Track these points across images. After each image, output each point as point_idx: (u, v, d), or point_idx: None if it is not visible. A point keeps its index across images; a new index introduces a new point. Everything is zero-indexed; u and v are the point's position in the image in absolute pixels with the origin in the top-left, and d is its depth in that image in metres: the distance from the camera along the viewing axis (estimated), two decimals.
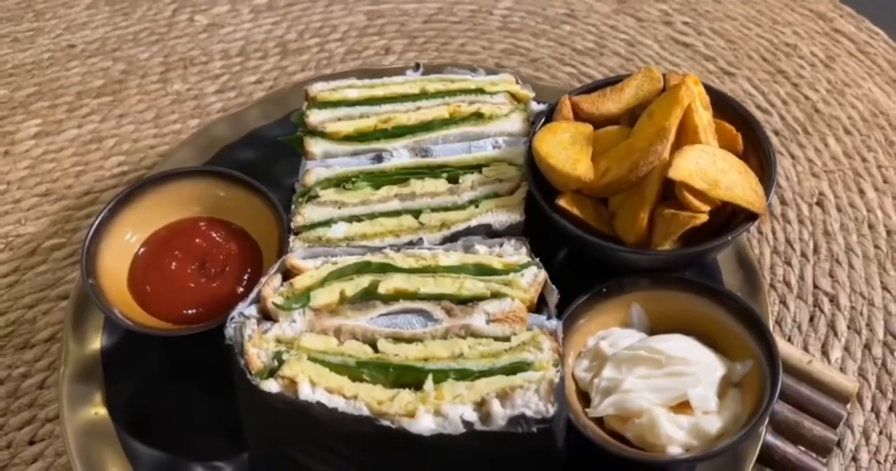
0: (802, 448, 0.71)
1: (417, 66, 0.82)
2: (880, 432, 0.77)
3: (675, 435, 0.59)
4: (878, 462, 0.75)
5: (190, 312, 0.70)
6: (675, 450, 0.59)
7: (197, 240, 0.73)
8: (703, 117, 0.67)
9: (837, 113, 1.05)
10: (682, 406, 0.60)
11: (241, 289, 0.71)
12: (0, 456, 0.77)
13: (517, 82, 0.80)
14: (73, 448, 0.66)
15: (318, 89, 0.79)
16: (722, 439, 0.59)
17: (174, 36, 1.16)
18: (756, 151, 0.70)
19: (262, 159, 0.86)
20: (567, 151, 0.67)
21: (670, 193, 0.66)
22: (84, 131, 1.05)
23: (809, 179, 0.98)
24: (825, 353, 0.82)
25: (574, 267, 0.67)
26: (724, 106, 0.71)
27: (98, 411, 0.69)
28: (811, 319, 0.86)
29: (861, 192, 0.97)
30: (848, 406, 0.76)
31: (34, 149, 1.03)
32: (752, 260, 0.74)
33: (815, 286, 0.88)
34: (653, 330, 0.67)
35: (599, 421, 0.63)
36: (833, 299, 0.87)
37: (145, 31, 1.17)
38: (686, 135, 0.66)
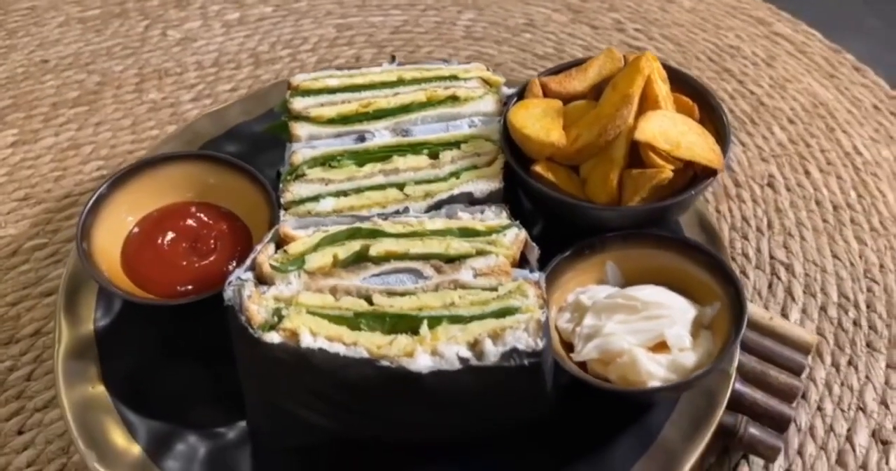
0: (770, 395, 0.75)
1: (393, 59, 0.87)
2: (842, 384, 0.82)
3: (655, 371, 0.63)
4: (842, 410, 0.80)
5: (182, 289, 0.72)
6: (655, 385, 0.63)
7: (188, 221, 0.76)
8: (662, 89, 0.72)
9: (780, 105, 1.13)
10: (660, 347, 0.65)
11: (231, 266, 0.74)
12: None
13: (488, 70, 0.85)
14: (71, 423, 0.66)
15: (301, 79, 0.83)
16: (698, 369, 0.63)
17: (147, 49, 1.19)
18: (711, 119, 0.75)
19: (244, 152, 0.89)
20: (540, 122, 0.72)
21: (637, 159, 0.71)
22: (61, 139, 1.07)
23: (759, 163, 1.05)
24: (785, 316, 0.88)
25: (550, 232, 0.71)
26: (679, 81, 0.77)
27: (95, 386, 0.70)
28: (769, 285, 0.91)
29: (807, 173, 1.04)
30: (809, 358, 0.81)
31: (11, 157, 1.05)
32: (712, 224, 0.80)
33: (772, 257, 0.94)
34: (626, 285, 0.71)
35: (583, 368, 0.66)
36: (788, 268, 0.93)
37: (118, 45, 1.20)
38: (647, 104, 0.71)
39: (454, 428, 0.63)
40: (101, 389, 0.69)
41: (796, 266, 0.93)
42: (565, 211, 0.71)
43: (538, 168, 0.72)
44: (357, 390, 0.59)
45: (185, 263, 0.73)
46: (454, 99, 0.80)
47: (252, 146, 0.90)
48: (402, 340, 0.59)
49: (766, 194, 1.01)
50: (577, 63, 0.79)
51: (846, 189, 1.02)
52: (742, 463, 0.76)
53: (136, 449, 0.66)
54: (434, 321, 0.61)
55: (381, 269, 0.65)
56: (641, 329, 0.64)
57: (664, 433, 0.66)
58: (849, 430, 0.79)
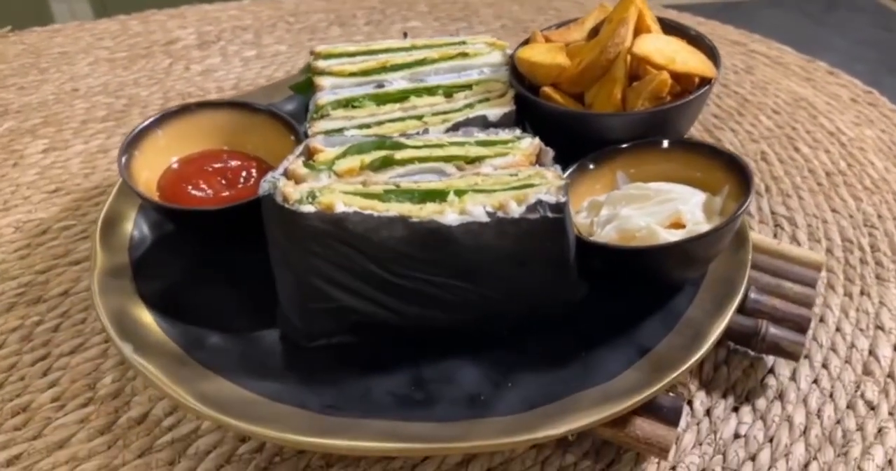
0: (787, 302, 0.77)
1: (405, 35, 0.95)
2: (857, 309, 0.84)
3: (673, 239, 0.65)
4: (861, 330, 0.81)
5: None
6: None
7: (221, 163, 0.80)
8: (653, 25, 0.80)
9: (764, 100, 1.21)
10: (675, 225, 0.67)
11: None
12: (13, 388, 0.77)
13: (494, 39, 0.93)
14: (107, 321, 0.67)
15: (322, 47, 0.90)
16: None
17: (172, 79, 1.28)
18: (701, 49, 0.82)
19: None
20: (546, 53, 0.79)
21: (637, 79, 0.77)
22: (91, 146, 1.13)
23: (750, 144, 1.11)
24: None
25: (562, 152, 0.76)
26: (666, 27, 0.85)
27: (131, 298, 0.71)
28: (775, 235, 0.94)
29: (796, 149, 1.10)
30: (821, 287, 0.83)
31: (42, 160, 1.10)
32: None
33: (773, 212, 0.98)
34: None
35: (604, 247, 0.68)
36: (791, 221, 0.96)
37: (144, 77, 1.29)
38: (641, 32, 0.78)
39: (484, 304, 0.65)
40: (137, 300, 0.70)
41: (798, 219, 0.97)
42: (574, 124, 0.76)
43: (547, 90, 0.77)
44: (390, 253, 0.61)
45: (220, 192, 0.76)
46: (464, 55, 0.87)
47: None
48: (432, 206, 0.62)
49: (760, 166, 1.07)
50: (574, 20, 0.87)
51: (835, 160, 1.07)
52: (769, 376, 0.76)
53: (171, 344, 0.66)
54: (461, 192, 0.64)
55: (406, 169, 0.69)
56: (656, 211, 0.67)
57: (689, 313, 0.67)
58: (871, 345, 0.79)
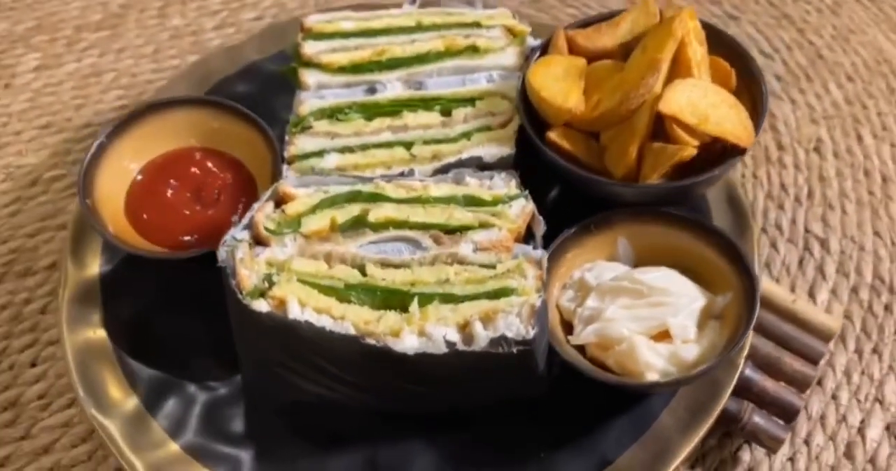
0: (782, 384, 0.72)
1: (414, 0, 0.82)
2: (862, 373, 0.79)
3: (654, 362, 0.60)
4: (859, 401, 0.77)
5: (185, 238, 0.72)
6: (653, 376, 0.60)
7: (192, 169, 0.74)
8: (697, 52, 0.66)
9: (841, 59, 1.04)
10: (662, 335, 0.62)
11: (235, 217, 0.72)
12: (3, 378, 0.80)
13: (514, 17, 0.79)
14: (72, 368, 0.68)
15: (314, 21, 0.78)
16: (699, 367, 0.60)
17: None
18: (749, 88, 0.69)
19: (258, 92, 0.86)
20: (560, 83, 0.67)
21: (661, 129, 0.66)
22: (84, 65, 1.05)
23: (808, 125, 0.98)
24: (812, 295, 0.83)
25: (563, 201, 0.68)
26: (719, 42, 0.71)
27: (97, 331, 0.70)
28: (800, 262, 0.86)
29: (859, 137, 0.96)
30: (830, 345, 0.77)
31: (34, 82, 1.04)
32: (742, 200, 0.75)
33: (807, 230, 0.88)
34: (638, 263, 0.68)
35: (582, 350, 0.64)
36: (823, 244, 0.87)
37: None
38: (679, 69, 0.65)
39: (444, 401, 0.62)
40: (102, 334, 0.70)
41: (832, 242, 0.87)
42: (579, 183, 0.67)
43: (553, 135, 0.67)
44: (343, 361, 0.59)
45: (188, 212, 0.72)
46: (474, 50, 0.75)
47: (265, 86, 0.86)
48: (391, 318, 0.58)
49: (810, 160, 0.95)
50: (609, 17, 0.73)
51: None
52: (744, 447, 0.74)
53: (133, 400, 0.67)
54: (425, 299, 0.59)
55: (378, 236, 0.63)
56: (645, 316, 0.61)
57: (660, 421, 0.64)
58: (862, 421, 0.76)
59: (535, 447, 0.64)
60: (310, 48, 0.76)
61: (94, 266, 0.74)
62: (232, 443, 0.65)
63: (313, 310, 0.58)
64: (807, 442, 0.75)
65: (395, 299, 0.59)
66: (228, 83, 0.87)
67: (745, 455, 0.74)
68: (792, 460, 0.74)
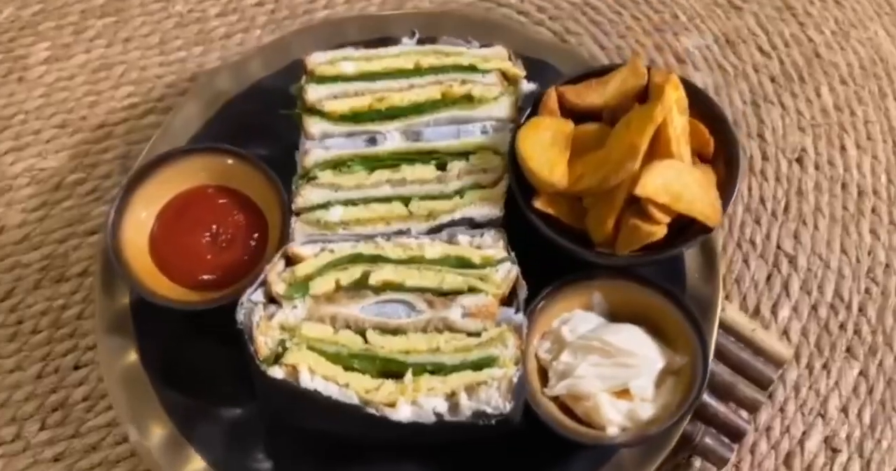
0: (734, 406, 0.82)
1: (413, 34, 0.84)
2: (809, 388, 0.88)
3: (614, 418, 0.70)
4: (803, 414, 0.87)
5: (205, 277, 0.80)
6: (613, 430, 0.70)
7: (206, 210, 0.81)
8: (678, 127, 0.70)
9: (837, 59, 1.05)
10: (624, 392, 0.71)
11: (247, 256, 0.80)
12: (50, 379, 0.91)
13: (510, 59, 0.82)
14: (115, 397, 0.78)
15: (316, 62, 0.82)
16: (652, 424, 0.70)
17: None
18: (724, 152, 0.74)
19: (264, 111, 0.90)
20: (546, 153, 0.72)
21: (637, 201, 0.72)
22: (92, 57, 1.08)
23: (795, 133, 1.01)
24: (774, 312, 0.91)
25: (546, 256, 0.75)
26: (700, 104, 0.74)
27: (132, 359, 0.80)
28: (768, 278, 0.93)
29: (843, 148, 1.00)
30: (780, 372, 0.86)
31: (46, 75, 1.07)
32: (714, 245, 0.81)
33: (778, 247, 0.95)
34: (611, 314, 0.76)
35: (555, 397, 0.74)
36: (792, 261, 0.94)
37: None
38: (659, 145, 0.70)
39: (432, 441, 0.73)
40: (137, 363, 0.80)
41: (800, 259, 0.94)
42: (561, 250, 0.74)
43: (539, 204, 0.73)
44: (347, 421, 0.69)
45: (208, 255, 0.79)
46: (469, 99, 0.79)
47: (272, 105, 0.90)
48: (388, 387, 0.67)
49: (791, 172, 0.99)
50: (599, 72, 0.76)
51: (878, 172, 0.99)
52: (694, 456, 0.85)
53: (168, 425, 0.78)
54: (418, 369, 0.68)
55: (377, 298, 0.71)
56: (610, 375, 0.70)
57: (620, 453, 0.75)
58: (803, 433, 0.86)
59: None
60: (313, 94, 0.80)
61: (124, 297, 0.83)
62: (256, 462, 0.77)
63: (321, 377, 0.68)
64: (752, 451, 0.86)
65: (392, 367, 0.68)
66: (236, 104, 0.91)
67: (697, 462, 0.85)
68: (737, 467, 0.85)
